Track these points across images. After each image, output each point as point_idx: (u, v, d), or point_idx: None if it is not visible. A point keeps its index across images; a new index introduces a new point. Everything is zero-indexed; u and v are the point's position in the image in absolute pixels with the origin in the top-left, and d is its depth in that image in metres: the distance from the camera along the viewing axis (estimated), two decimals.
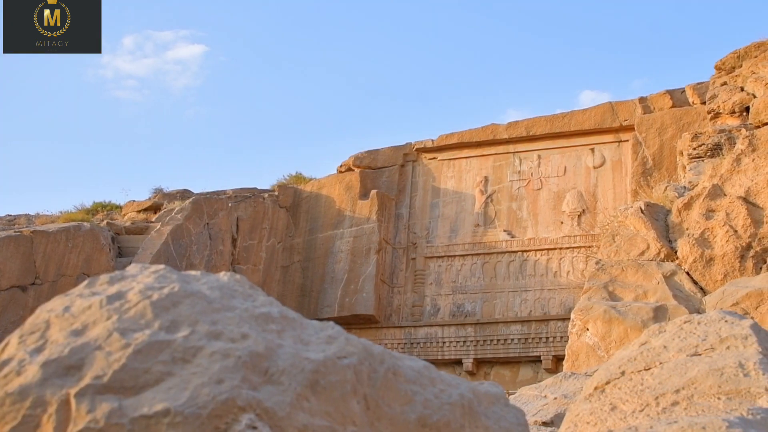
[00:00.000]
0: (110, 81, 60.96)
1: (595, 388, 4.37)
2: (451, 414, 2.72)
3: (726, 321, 4.41)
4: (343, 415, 2.41)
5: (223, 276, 2.79)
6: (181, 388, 2.20)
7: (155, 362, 2.26)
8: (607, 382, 4.35)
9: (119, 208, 27.26)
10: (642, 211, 11.70)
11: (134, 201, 26.94)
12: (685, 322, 4.54)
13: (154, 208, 26.10)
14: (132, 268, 2.73)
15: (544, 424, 6.74)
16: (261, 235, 25.35)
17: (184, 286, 2.55)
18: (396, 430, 2.55)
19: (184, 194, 26.53)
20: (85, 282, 2.61)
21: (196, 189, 27.17)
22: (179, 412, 2.13)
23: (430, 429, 2.63)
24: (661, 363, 4.30)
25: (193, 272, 2.75)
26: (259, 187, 27.21)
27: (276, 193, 26.71)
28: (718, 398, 3.88)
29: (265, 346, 2.41)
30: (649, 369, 4.30)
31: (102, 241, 22.79)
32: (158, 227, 23.77)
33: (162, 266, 2.71)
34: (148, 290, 2.50)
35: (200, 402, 2.17)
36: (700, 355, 4.24)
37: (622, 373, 4.35)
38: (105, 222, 24.65)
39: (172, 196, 26.46)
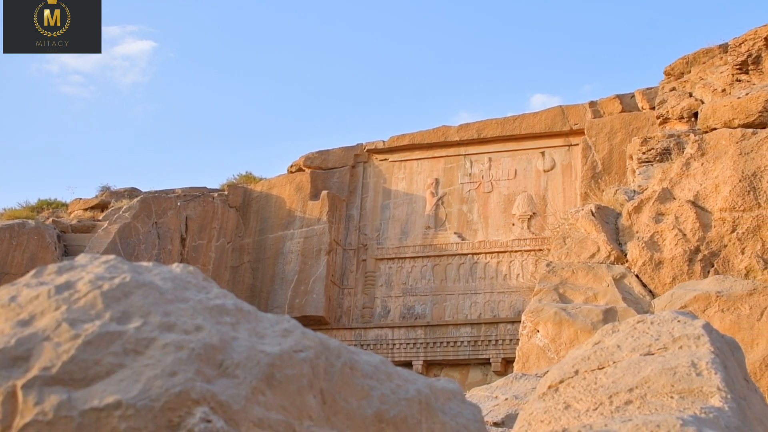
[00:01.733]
0: (56, 76, 60.12)
1: (549, 387, 4.36)
2: (409, 409, 2.68)
3: (679, 321, 4.44)
4: (300, 410, 2.36)
5: (176, 267, 2.73)
6: (133, 380, 2.13)
7: (106, 354, 2.19)
8: (561, 381, 4.35)
9: (65, 206, 26.86)
10: (593, 214, 11.79)
11: (81, 199, 26.56)
12: (638, 322, 4.55)
13: (101, 206, 25.76)
14: (81, 258, 2.65)
15: (495, 424, 6.74)
16: (210, 235, 25.15)
17: (135, 277, 2.48)
18: (353, 425, 2.50)
19: (132, 193, 26.23)
20: (33, 272, 2.53)
21: (145, 188, 26.90)
22: (131, 404, 2.07)
23: (387, 424, 2.59)
24: (614, 362, 4.31)
25: (144, 263, 2.68)
26: (208, 187, 27.00)
27: (226, 192, 26.52)
28: (671, 397, 3.89)
29: (219, 338, 2.36)
30: (603, 368, 4.30)
31: (47, 239, 22.44)
32: (105, 226, 23.47)
33: (112, 256, 2.64)
34: (99, 280, 2.42)
35: (153, 394, 2.10)
36: (653, 354, 4.25)
37: (576, 372, 4.35)
38: (50, 220, 24.27)
39: (119, 195, 26.14)
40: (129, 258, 22.71)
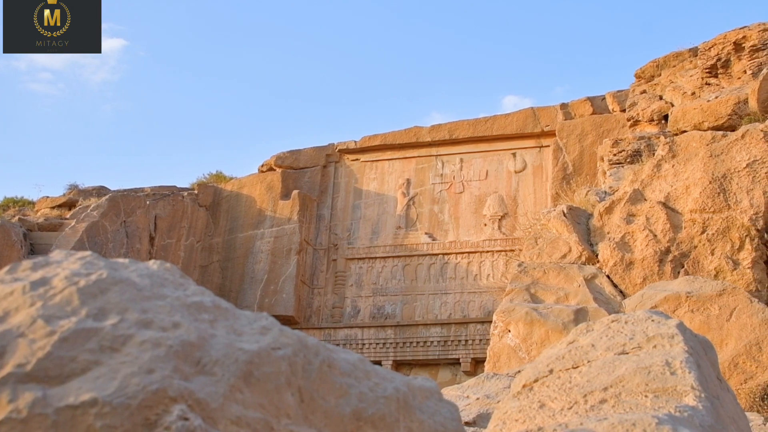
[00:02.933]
0: (24, 73, 59.53)
1: (524, 386, 4.37)
2: (387, 408, 2.66)
3: (653, 320, 4.45)
4: (278, 408, 2.34)
5: (153, 264, 2.70)
6: (109, 377, 2.10)
7: (82, 350, 2.15)
8: (536, 380, 4.35)
9: (32, 204, 26.58)
10: (564, 215, 11.84)
11: (48, 197, 26.30)
12: (612, 321, 4.57)
13: (69, 204, 25.52)
14: (56, 255, 2.61)
15: (467, 423, 6.74)
16: (180, 234, 25.00)
17: (112, 273, 2.45)
18: (331, 423, 2.48)
19: (101, 191, 26.02)
20: (7, 268, 2.49)
21: (113, 186, 26.71)
22: (107, 402, 2.03)
23: (365, 423, 2.57)
24: (589, 361, 4.32)
25: (121, 260, 2.65)
26: (178, 186, 26.84)
27: (195, 191, 26.38)
28: (646, 396, 3.91)
29: (197, 335, 2.33)
30: (578, 367, 4.31)
31: (13, 237, 22.20)
32: (73, 224, 23.25)
33: (88, 252, 2.60)
34: (75, 276, 2.39)
35: (129, 392, 2.07)
36: (627, 353, 4.26)
37: (551, 371, 4.36)
38: (17, 218, 24.02)
39: (87, 193, 25.92)
40: None
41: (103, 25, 57.50)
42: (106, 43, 59.12)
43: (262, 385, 2.34)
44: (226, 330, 2.45)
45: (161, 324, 2.30)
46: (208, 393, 2.20)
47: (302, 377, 2.49)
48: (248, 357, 2.35)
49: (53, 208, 25.67)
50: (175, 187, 26.62)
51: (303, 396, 2.46)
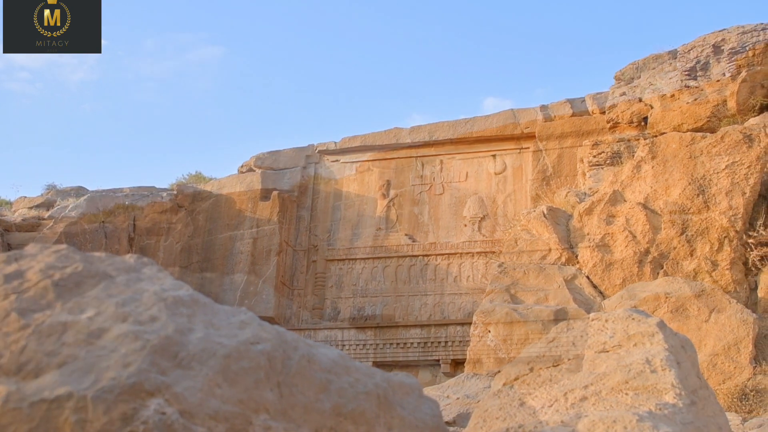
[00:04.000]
0: (1, 72, 59.12)
1: (504, 384, 4.35)
2: (367, 403, 2.64)
3: (633, 319, 4.45)
4: (256, 402, 2.31)
5: (130, 258, 2.66)
6: (85, 371, 2.07)
7: (58, 344, 2.12)
8: (516, 378, 4.34)
9: (9, 204, 26.38)
10: (545, 216, 11.85)
11: (26, 197, 26.11)
12: (593, 320, 4.56)
13: (47, 204, 25.34)
14: (31, 248, 2.58)
15: (447, 423, 6.71)
16: (159, 235, 24.87)
17: (88, 267, 2.41)
18: (310, 419, 2.46)
19: (79, 191, 25.86)
20: None
21: (92, 186, 26.54)
22: (83, 396, 2.00)
23: (345, 418, 2.55)
24: (569, 359, 4.31)
25: (97, 254, 2.61)
26: (157, 186, 26.70)
27: (175, 192, 26.24)
28: (626, 394, 3.90)
29: (175, 329, 2.30)
30: (558, 365, 4.30)
31: None
32: (51, 224, 23.10)
33: (64, 246, 2.57)
34: (50, 270, 2.35)
35: (106, 386, 2.04)
36: (608, 351, 4.26)
37: (531, 369, 4.35)
38: None
39: (65, 193, 25.75)
40: None
41: None
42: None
43: (240, 379, 2.31)
44: (204, 324, 2.42)
45: (138, 318, 2.27)
46: (186, 387, 2.16)
47: (281, 372, 2.46)
48: (227, 351, 2.32)
49: (31, 208, 25.48)
50: (154, 187, 26.48)
51: (282, 391, 2.43)
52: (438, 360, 22.30)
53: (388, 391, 2.79)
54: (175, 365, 2.22)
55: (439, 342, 22.39)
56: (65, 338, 2.14)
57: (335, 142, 25.95)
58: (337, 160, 25.86)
